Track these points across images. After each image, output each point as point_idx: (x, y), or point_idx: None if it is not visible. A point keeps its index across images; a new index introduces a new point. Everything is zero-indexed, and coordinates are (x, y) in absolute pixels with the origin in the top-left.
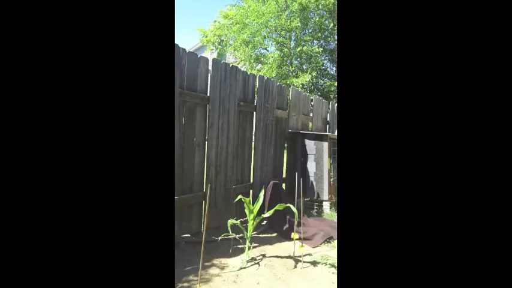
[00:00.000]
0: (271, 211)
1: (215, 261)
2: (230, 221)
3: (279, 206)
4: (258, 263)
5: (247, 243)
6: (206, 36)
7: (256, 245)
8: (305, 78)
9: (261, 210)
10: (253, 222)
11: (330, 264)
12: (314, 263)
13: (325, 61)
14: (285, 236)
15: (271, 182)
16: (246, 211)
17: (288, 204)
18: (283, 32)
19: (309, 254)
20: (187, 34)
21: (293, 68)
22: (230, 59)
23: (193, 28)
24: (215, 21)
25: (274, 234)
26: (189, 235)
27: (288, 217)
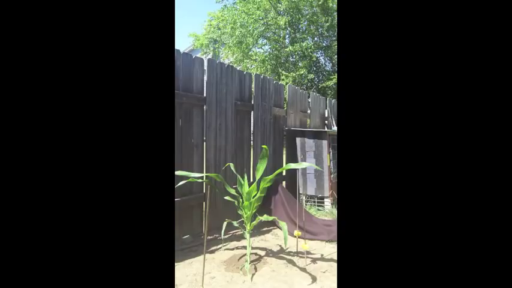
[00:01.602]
0: (269, 217)
1: (215, 261)
2: (227, 221)
3: (265, 217)
4: (259, 261)
5: (248, 242)
6: (199, 40)
7: (258, 244)
8: (299, 72)
9: (260, 210)
10: (250, 223)
11: (333, 260)
12: (316, 261)
13: (320, 58)
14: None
15: (279, 188)
16: (240, 212)
17: (274, 217)
18: (276, 30)
19: (311, 252)
20: (179, 38)
21: (288, 65)
22: (225, 60)
23: (184, 32)
24: (208, 23)
25: (276, 230)
26: (189, 236)
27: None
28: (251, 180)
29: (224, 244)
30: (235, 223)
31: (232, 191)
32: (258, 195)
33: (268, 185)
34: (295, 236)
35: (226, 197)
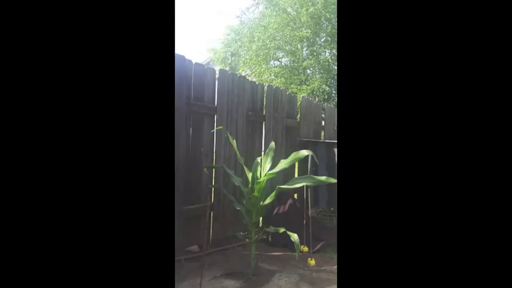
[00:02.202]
0: (279, 229)
1: (218, 275)
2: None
3: (273, 229)
4: (264, 275)
5: (252, 254)
6: (216, 53)
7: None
8: (315, 84)
9: (267, 220)
10: (256, 236)
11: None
12: (323, 276)
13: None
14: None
15: (289, 202)
16: (244, 218)
17: (283, 229)
18: (293, 43)
19: (319, 267)
20: (196, 51)
21: (305, 78)
22: (243, 73)
23: (200, 43)
24: (226, 36)
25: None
26: (196, 246)
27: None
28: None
29: (231, 254)
30: (240, 234)
31: (238, 180)
32: (267, 201)
33: (271, 176)
34: (302, 252)
35: (237, 207)
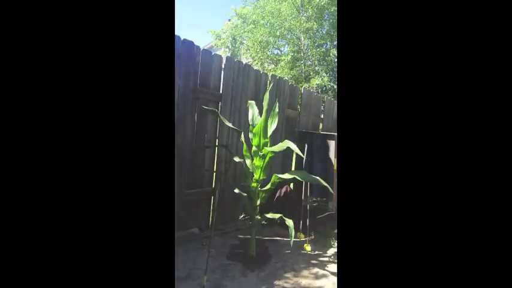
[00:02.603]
0: (275, 215)
1: (220, 252)
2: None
3: (271, 215)
4: (263, 258)
5: (252, 239)
6: (219, 38)
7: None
8: (316, 80)
9: (266, 207)
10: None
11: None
12: (321, 262)
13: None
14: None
15: (284, 189)
16: (247, 208)
17: (280, 215)
18: (296, 33)
19: (313, 252)
20: (200, 34)
21: (305, 69)
22: (243, 60)
23: (205, 28)
24: (229, 20)
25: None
26: (197, 228)
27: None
28: None
29: (232, 238)
30: (241, 218)
31: (241, 159)
32: (267, 186)
33: (278, 181)
34: (299, 238)
35: (236, 190)
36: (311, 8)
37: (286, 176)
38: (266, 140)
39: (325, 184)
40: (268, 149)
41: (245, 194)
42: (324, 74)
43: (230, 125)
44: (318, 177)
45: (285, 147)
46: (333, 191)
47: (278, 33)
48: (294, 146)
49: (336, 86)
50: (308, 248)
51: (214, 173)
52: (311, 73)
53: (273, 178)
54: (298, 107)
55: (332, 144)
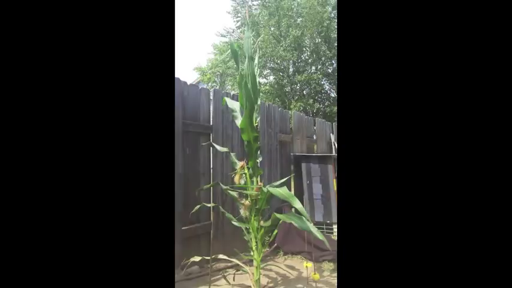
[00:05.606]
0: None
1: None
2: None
3: (273, 216)
4: None
5: (256, 270)
6: (204, 74)
7: (266, 272)
8: (304, 101)
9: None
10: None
11: None
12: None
13: (325, 85)
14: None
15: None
16: (249, 238)
17: (278, 215)
18: (279, 61)
19: (324, 278)
20: (185, 71)
21: (292, 94)
22: (231, 91)
23: (189, 65)
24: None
25: (283, 258)
26: (197, 266)
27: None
28: None
29: (231, 272)
30: (242, 255)
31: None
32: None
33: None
34: (306, 267)
35: (234, 222)
36: (291, 38)
37: (285, 218)
38: (255, 134)
39: (320, 237)
40: (270, 189)
41: (244, 227)
42: (310, 98)
43: (233, 157)
44: (312, 228)
45: (286, 196)
46: (336, 212)
47: (262, 62)
48: (299, 205)
49: (323, 107)
50: (316, 276)
51: (212, 207)
52: (297, 97)
53: (272, 216)
54: (290, 131)
55: (329, 165)
